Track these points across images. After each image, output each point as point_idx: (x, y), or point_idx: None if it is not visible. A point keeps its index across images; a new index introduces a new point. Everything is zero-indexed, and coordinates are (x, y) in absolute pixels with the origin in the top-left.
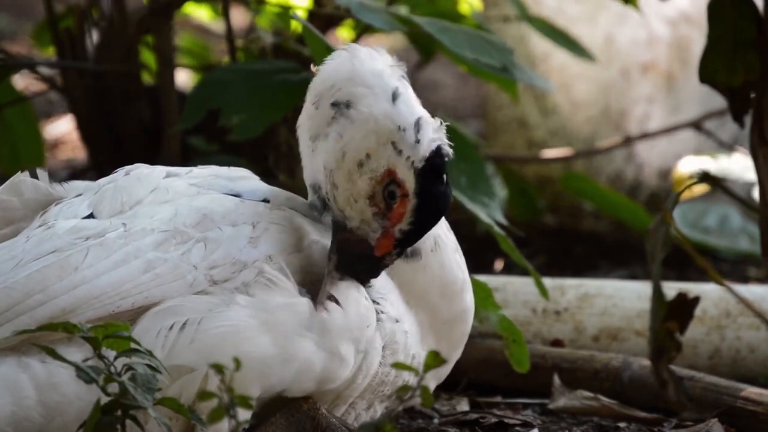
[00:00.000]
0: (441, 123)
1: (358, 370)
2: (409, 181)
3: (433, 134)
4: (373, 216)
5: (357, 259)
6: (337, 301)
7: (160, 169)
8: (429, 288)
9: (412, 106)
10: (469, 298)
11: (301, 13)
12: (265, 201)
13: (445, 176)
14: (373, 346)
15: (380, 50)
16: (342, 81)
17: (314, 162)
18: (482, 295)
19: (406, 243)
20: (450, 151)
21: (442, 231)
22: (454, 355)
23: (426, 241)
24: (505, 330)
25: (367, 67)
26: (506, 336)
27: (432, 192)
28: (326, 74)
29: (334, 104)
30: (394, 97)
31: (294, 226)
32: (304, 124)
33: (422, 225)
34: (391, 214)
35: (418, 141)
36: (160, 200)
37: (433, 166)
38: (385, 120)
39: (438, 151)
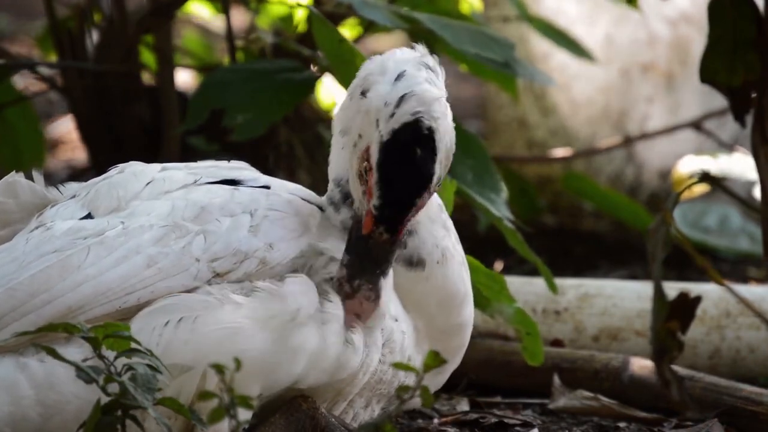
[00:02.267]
0: (446, 100)
1: (359, 366)
2: (374, 154)
3: (417, 107)
4: (363, 195)
5: (355, 241)
6: (350, 295)
7: (155, 165)
8: (428, 297)
9: (411, 83)
10: (467, 313)
11: (302, 12)
12: (266, 188)
13: (419, 150)
14: (374, 341)
15: (418, 47)
16: (372, 70)
17: (340, 156)
18: (496, 288)
19: (385, 219)
20: (434, 125)
21: (451, 243)
22: (449, 365)
23: (434, 253)
24: (520, 323)
25: (393, 57)
26: (520, 329)
27: (393, 164)
28: (364, 67)
29: (362, 93)
30: (398, 77)
31: (293, 211)
32: (337, 116)
33: (391, 198)
34: (367, 190)
35: (392, 115)
36: (157, 192)
37: (397, 139)
38: (377, 99)
39: (413, 124)
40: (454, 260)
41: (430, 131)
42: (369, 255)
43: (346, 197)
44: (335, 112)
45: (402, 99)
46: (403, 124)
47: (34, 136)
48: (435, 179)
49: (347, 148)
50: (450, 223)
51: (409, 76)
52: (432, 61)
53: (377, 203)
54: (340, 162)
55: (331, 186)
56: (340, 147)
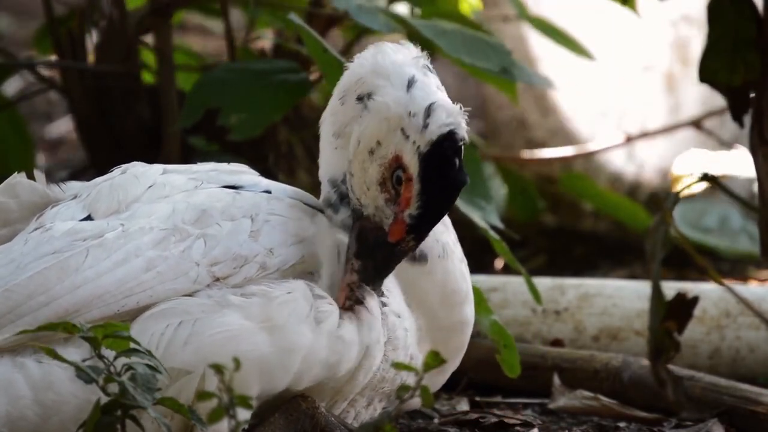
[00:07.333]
0: (461, 108)
1: (360, 367)
2: (413, 165)
3: (447, 119)
4: (386, 202)
5: (374, 247)
6: (360, 301)
7: (157, 167)
8: (430, 294)
9: (428, 92)
10: (468, 311)
11: (298, 15)
12: (267, 192)
13: (456, 160)
14: (377, 339)
15: (406, 43)
16: (366, 74)
17: (334, 157)
18: (476, 299)
19: (419, 229)
20: (465, 135)
21: (451, 240)
22: (450, 365)
23: (435, 247)
24: (497, 334)
25: (388, 59)
26: (497, 340)
27: (436, 176)
28: (352, 70)
29: (359, 98)
30: (410, 84)
31: (295, 216)
32: (327, 120)
33: (431, 209)
34: (400, 200)
35: (426, 126)
36: (157, 196)
37: (438, 151)
38: (396, 106)
39: (448, 136)
40: (454, 256)
41: (463, 141)
42: (384, 259)
43: (343, 197)
44: (323, 115)
45: (430, 110)
46: (439, 136)
47: (21, 141)
48: None
49: (342, 149)
50: (448, 221)
51: (422, 84)
52: (427, 60)
53: (416, 213)
54: (335, 163)
55: (326, 188)
56: (333, 148)
